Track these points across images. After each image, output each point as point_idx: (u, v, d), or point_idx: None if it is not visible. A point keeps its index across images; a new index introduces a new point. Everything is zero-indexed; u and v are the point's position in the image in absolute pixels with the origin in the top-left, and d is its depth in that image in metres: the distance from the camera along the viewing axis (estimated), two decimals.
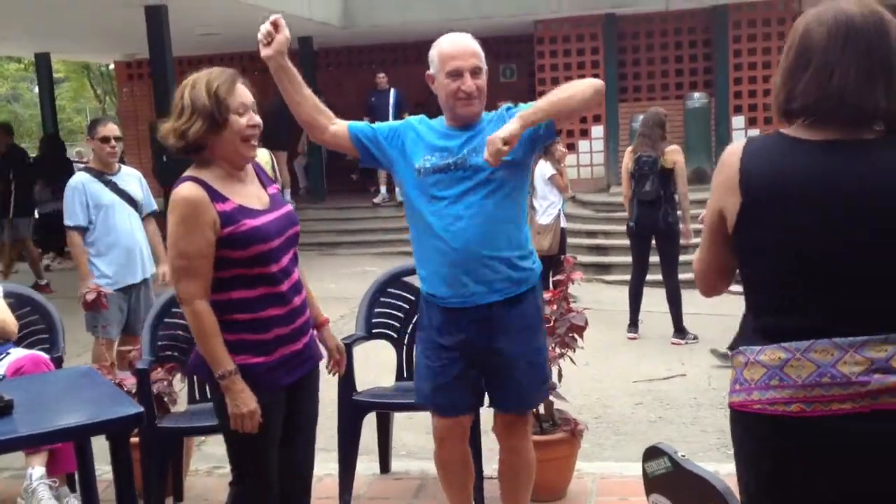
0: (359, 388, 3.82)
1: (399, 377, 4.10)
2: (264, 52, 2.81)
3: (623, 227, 8.00)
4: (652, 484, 2.93)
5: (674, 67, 13.67)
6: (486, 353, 2.98)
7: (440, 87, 2.94)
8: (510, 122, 2.77)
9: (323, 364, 2.88)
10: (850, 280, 1.74)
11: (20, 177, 10.41)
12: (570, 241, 9.21)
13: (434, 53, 2.96)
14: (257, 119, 2.60)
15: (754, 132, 12.08)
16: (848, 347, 1.73)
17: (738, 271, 1.96)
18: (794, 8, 12.31)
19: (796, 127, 1.84)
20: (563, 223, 8.29)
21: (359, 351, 3.85)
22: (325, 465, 3.80)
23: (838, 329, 1.74)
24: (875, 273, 1.74)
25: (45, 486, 3.54)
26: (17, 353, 3.73)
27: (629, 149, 7.47)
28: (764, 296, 1.85)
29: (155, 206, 5.53)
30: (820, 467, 1.77)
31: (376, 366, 4.58)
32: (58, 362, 3.89)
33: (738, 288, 1.94)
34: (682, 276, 7.22)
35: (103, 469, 3.52)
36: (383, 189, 13.36)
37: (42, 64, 14.40)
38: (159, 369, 3.81)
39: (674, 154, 7.11)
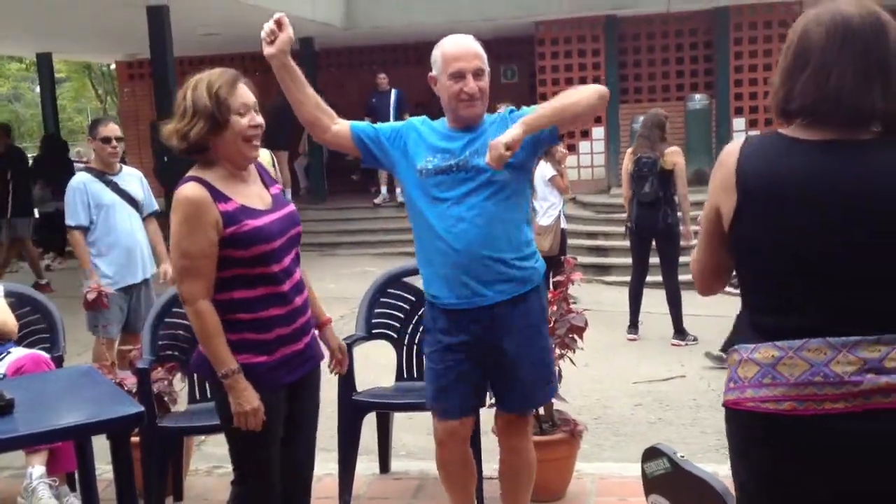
0: (359, 388, 3.83)
1: (399, 377, 4.11)
2: (267, 50, 2.82)
3: (623, 229, 8.00)
4: (651, 484, 2.94)
5: (675, 69, 13.68)
6: (491, 352, 2.98)
7: (443, 89, 2.95)
8: (513, 126, 2.78)
9: (324, 364, 2.88)
10: (847, 280, 1.75)
11: (18, 177, 10.43)
12: (571, 242, 9.21)
13: (437, 55, 2.96)
14: (259, 119, 2.60)
15: (755, 134, 12.08)
16: (841, 347, 1.73)
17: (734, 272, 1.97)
18: (795, 10, 12.32)
19: (794, 127, 1.84)
20: (564, 224, 8.29)
21: (359, 351, 3.85)
22: (325, 465, 3.81)
23: (836, 329, 1.74)
24: (872, 274, 1.74)
25: (45, 485, 3.55)
26: (18, 353, 3.74)
27: (629, 150, 7.48)
28: (761, 295, 1.85)
29: (156, 207, 5.54)
30: (812, 466, 1.77)
31: (376, 366, 4.59)
32: (58, 361, 3.89)
33: (737, 290, 1.95)
34: (681, 278, 7.23)
35: (103, 468, 3.52)
36: (384, 189, 13.36)
37: (43, 64, 14.43)
38: (160, 369, 3.81)
39: (673, 155, 7.12)
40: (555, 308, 3.75)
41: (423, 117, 3.12)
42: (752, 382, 1.80)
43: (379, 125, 3.14)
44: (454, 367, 2.99)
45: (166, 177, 8.78)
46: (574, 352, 3.75)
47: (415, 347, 4.08)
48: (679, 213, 7.21)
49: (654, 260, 7.44)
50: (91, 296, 4.99)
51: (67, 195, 5.21)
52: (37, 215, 11.31)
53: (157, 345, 3.78)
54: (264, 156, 6.58)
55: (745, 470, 1.88)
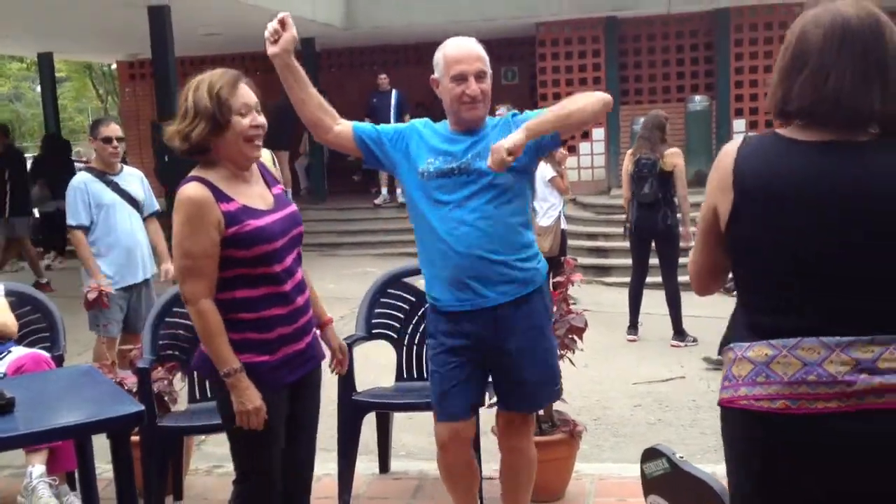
0: (359, 388, 3.83)
1: (399, 377, 4.11)
2: (271, 49, 2.82)
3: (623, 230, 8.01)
4: (650, 485, 2.94)
5: (675, 70, 13.69)
6: (495, 353, 2.98)
7: (445, 91, 2.95)
8: (516, 131, 2.78)
9: (325, 364, 2.89)
10: (845, 281, 1.75)
11: (16, 176, 10.46)
12: (571, 242, 9.22)
13: (439, 57, 2.97)
14: (261, 119, 2.60)
15: (753, 134, 12.08)
16: (835, 347, 1.73)
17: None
18: (796, 11, 12.29)
19: (792, 128, 1.84)
20: (564, 225, 8.30)
21: (359, 351, 3.86)
22: (325, 465, 3.81)
23: (833, 330, 1.74)
24: (870, 275, 1.75)
25: (45, 485, 3.55)
26: (18, 352, 3.74)
27: (629, 151, 7.50)
28: (759, 296, 1.85)
29: (157, 207, 5.55)
30: (805, 465, 1.77)
31: (376, 366, 4.59)
32: (59, 361, 3.90)
33: (734, 294, 1.95)
34: (681, 279, 7.22)
35: (103, 467, 3.53)
36: (384, 190, 13.37)
37: (44, 63, 14.44)
38: (160, 368, 3.82)
39: (673, 157, 7.13)
40: (555, 309, 3.76)
41: (426, 119, 3.13)
42: (746, 381, 1.80)
43: (381, 126, 3.14)
44: (458, 369, 2.99)
45: (167, 177, 8.78)
46: (574, 352, 3.76)
47: (415, 348, 4.09)
48: (679, 215, 7.22)
49: (654, 261, 7.45)
50: (91, 295, 4.99)
51: (68, 195, 5.22)
52: (36, 215, 11.32)
53: (158, 344, 3.79)
54: (265, 155, 6.56)
55: (739, 468, 1.88)
